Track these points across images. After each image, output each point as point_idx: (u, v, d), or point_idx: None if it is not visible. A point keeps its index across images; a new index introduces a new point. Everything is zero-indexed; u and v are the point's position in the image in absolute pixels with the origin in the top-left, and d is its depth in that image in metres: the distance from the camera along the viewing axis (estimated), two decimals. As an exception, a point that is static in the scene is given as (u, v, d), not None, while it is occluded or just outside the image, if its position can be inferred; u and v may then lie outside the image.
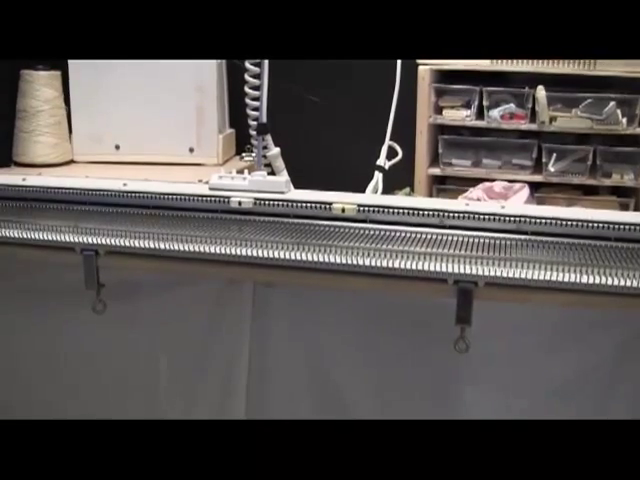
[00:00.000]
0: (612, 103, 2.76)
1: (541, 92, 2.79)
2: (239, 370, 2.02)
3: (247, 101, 2.16)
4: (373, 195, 2.24)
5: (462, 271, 1.61)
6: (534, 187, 2.85)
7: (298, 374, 2.01)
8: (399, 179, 2.60)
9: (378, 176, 2.38)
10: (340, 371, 1.98)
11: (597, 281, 1.60)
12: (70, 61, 3.13)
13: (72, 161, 3.24)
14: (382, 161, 2.40)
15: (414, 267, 1.63)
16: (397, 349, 1.93)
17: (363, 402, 1.99)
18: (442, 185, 2.98)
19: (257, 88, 2.14)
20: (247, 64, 2.13)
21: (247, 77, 2.14)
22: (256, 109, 2.16)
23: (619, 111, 2.77)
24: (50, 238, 1.81)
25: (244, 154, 3.19)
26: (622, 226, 1.82)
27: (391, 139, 2.41)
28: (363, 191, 2.34)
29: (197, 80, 3.12)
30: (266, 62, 2.12)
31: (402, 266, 1.63)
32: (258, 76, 2.13)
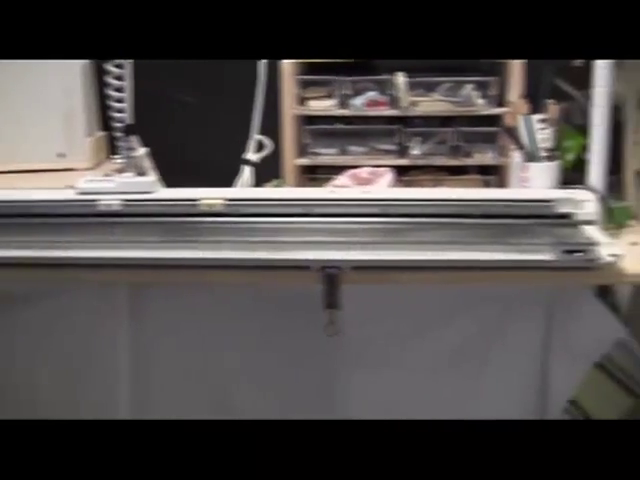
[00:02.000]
0: (469, 86, 2.84)
1: (401, 78, 2.86)
2: (121, 371, 2.02)
3: (111, 103, 2.16)
4: (240, 189, 2.27)
5: (326, 257, 1.66)
6: (400, 171, 2.91)
7: (178, 370, 2.03)
8: (269, 171, 2.63)
9: (248, 170, 2.41)
10: (218, 365, 2.01)
11: (462, 257, 1.67)
12: None
13: (-61, 172, 3.18)
14: (251, 155, 2.43)
15: (280, 257, 1.67)
16: (273, 338, 1.97)
17: (244, 394, 2.02)
18: (311, 175, 3.02)
19: (120, 90, 2.14)
20: (109, 66, 2.13)
21: (110, 79, 2.14)
22: (121, 111, 2.16)
23: (476, 93, 2.85)
24: None
25: (115, 156, 3.18)
26: (484, 202, 1.89)
27: (259, 132, 2.44)
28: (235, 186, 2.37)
29: (64, 85, 3.09)
30: (128, 63, 2.13)
31: (268, 257, 1.67)
32: (121, 78, 2.13)
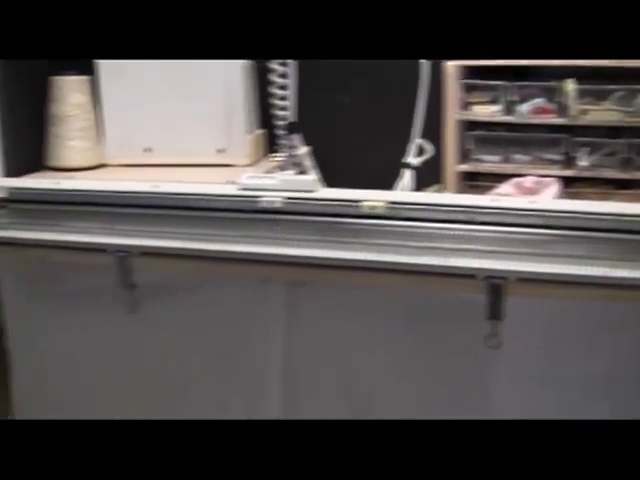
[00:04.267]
0: (643, 95, 2.75)
1: (570, 85, 2.78)
2: (272, 369, 2.02)
3: (274, 101, 2.17)
4: (402, 192, 2.24)
5: (492, 267, 1.61)
6: (565, 182, 2.84)
7: (331, 372, 2.01)
8: (429, 176, 2.60)
9: (408, 174, 2.39)
10: (371, 369, 1.98)
11: (629, 275, 1.60)
12: (101, 66, 3.16)
13: (104, 164, 3.26)
14: (411, 159, 2.40)
15: (443, 263, 1.63)
16: (429, 347, 1.93)
17: (394, 401, 1.98)
18: (472, 181, 2.97)
19: (284, 88, 2.15)
20: (273, 64, 2.13)
21: (274, 78, 2.14)
22: (284, 109, 2.16)
23: (651, 103, 2.76)
24: (84, 240, 1.83)
25: (274, 154, 3.20)
26: (653, 219, 1.81)
27: (420, 136, 2.41)
28: (393, 189, 2.35)
29: (226, 82, 3.13)
30: (292, 62, 2.13)
31: (431, 262, 1.64)
32: (285, 76, 2.13)
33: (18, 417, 2.31)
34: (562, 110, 2.83)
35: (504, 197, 2.23)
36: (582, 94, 2.79)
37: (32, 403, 2.28)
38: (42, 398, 2.26)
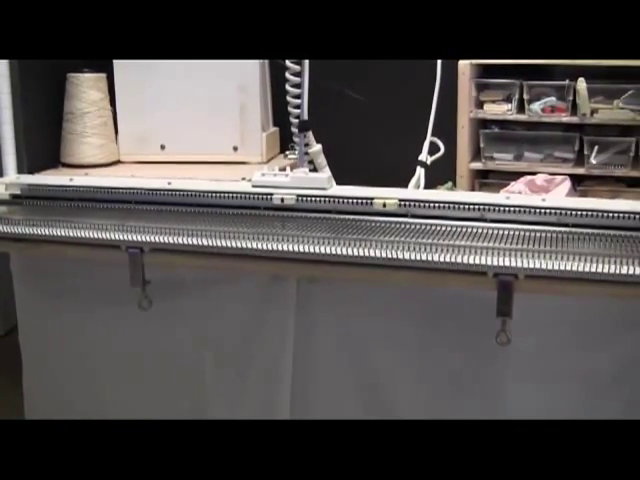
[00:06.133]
0: (654, 94, 2.75)
1: (582, 84, 2.79)
2: (284, 366, 2.03)
3: (288, 99, 2.18)
4: (414, 190, 2.25)
5: (502, 264, 1.62)
6: (576, 180, 2.85)
7: (342, 370, 2.01)
8: (441, 174, 2.60)
9: (420, 171, 2.39)
10: (383, 366, 1.98)
11: (639, 272, 1.60)
12: (115, 63, 3.17)
13: (118, 161, 3.28)
14: (424, 156, 2.40)
15: (454, 260, 1.64)
16: (439, 343, 1.93)
17: (406, 398, 1.99)
18: (484, 179, 2.98)
19: (298, 86, 2.15)
20: (288, 62, 2.14)
21: (288, 75, 2.15)
22: (297, 107, 2.17)
23: (661, 102, 2.76)
24: (96, 236, 1.84)
25: (288, 152, 3.21)
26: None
27: (433, 134, 2.41)
28: (405, 187, 2.35)
29: (240, 80, 3.14)
30: (307, 60, 2.14)
31: (442, 259, 1.64)
32: (299, 74, 2.14)
33: (28, 416, 2.32)
34: (573, 109, 2.84)
35: (516, 195, 2.23)
36: (593, 93, 2.79)
37: (43, 401, 2.30)
38: (53, 395, 2.27)
